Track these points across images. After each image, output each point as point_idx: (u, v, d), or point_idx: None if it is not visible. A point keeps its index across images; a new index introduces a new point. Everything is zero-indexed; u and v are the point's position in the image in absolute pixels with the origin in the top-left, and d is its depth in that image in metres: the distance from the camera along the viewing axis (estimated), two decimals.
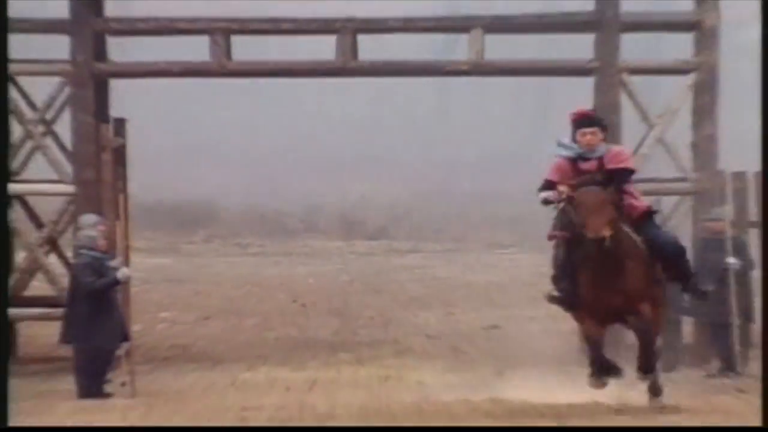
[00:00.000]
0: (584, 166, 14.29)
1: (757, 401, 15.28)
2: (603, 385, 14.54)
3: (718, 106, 20.68)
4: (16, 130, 19.84)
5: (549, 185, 14.37)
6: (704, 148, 20.48)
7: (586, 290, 14.24)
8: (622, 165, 14.28)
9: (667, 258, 14.48)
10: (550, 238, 14.80)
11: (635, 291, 14.09)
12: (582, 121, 14.53)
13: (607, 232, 13.50)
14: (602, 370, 14.43)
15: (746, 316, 19.31)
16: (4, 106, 4.72)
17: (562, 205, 14.16)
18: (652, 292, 14.41)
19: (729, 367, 18.46)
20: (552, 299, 15.05)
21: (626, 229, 14.13)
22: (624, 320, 14.52)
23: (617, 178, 14.14)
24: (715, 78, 20.58)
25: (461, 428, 5.99)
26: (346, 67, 21.30)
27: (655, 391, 14.51)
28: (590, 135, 14.20)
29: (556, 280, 14.87)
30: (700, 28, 20.54)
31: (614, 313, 14.32)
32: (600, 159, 14.15)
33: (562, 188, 14.06)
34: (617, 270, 13.96)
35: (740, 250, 19.68)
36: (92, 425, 6.24)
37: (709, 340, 17.21)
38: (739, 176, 20.74)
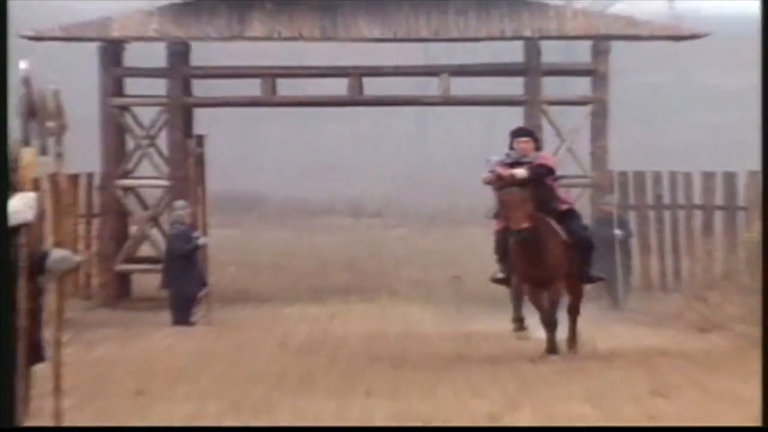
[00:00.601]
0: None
1: (636, 329, 15.49)
2: (526, 335, 14.38)
3: (608, 126, 20.71)
4: (129, 143, 20.36)
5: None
6: (598, 155, 20.57)
7: (518, 268, 13.38)
8: (540, 162, 13.43)
9: (580, 246, 13.43)
10: (495, 231, 13.87)
11: (552, 269, 13.11)
12: (519, 132, 14.03)
13: (525, 224, 12.67)
14: (549, 326, 13.19)
15: (627, 270, 19.82)
16: (4, 109, 3.99)
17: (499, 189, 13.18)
18: (569, 270, 13.33)
19: (615, 304, 18.90)
20: (495, 281, 14.34)
21: (549, 220, 13.18)
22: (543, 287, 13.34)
23: (538, 172, 13.19)
24: (606, 107, 20.58)
25: (462, 428, 5.38)
26: (355, 100, 21.53)
27: (570, 343, 13.40)
28: (524, 143, 13.51)
29: (499, 261, 14.01)
30: (595, 73, 20.64)
31: (540, 285, 13.31)
32: (531, 163, 13.26)
33: (499, 170, 13.14)
34: (538, 253, 12.98)
35: (624, 225, 20.05)
36: (94, 425, 5.24)
37: (602, 286, 17.37)
38: (622, 174, 21.35)
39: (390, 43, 22.00)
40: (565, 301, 13.57)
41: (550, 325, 13.08)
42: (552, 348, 13.03)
